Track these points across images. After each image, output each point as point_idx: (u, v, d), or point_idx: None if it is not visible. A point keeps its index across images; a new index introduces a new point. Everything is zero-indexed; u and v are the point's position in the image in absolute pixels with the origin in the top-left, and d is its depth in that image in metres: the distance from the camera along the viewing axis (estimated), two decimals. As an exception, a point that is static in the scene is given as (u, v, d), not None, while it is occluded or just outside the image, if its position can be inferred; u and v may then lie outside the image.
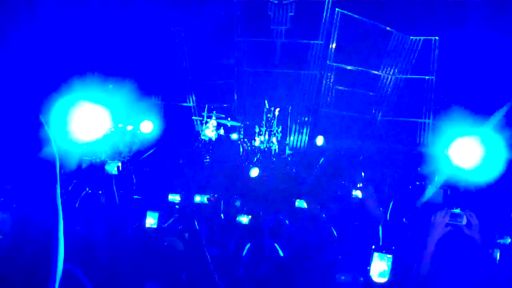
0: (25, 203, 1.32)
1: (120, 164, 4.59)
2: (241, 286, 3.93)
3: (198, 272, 3.61)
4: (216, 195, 7.19)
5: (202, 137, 15.61)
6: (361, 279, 3.61)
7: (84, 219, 4.66)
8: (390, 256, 3.33)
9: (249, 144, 15.31)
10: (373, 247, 3.42)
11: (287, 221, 6.20)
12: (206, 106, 16.05)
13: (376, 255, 3.32)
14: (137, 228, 4.58)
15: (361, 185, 13.18)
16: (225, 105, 16.81)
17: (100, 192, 5.38)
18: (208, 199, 6.92)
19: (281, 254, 4.66)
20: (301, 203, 8.08)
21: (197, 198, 7.03)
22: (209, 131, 15.59)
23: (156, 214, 4.90)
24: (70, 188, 5.14)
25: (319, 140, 15.31)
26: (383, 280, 3.34)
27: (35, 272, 1.29)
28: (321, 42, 16.57)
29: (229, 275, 3.97)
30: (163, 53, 17.99)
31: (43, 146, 1.36)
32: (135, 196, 5.74)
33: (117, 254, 3.87)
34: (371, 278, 3.32)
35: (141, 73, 16.29)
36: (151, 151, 15.07)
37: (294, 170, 14.49)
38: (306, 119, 16.81)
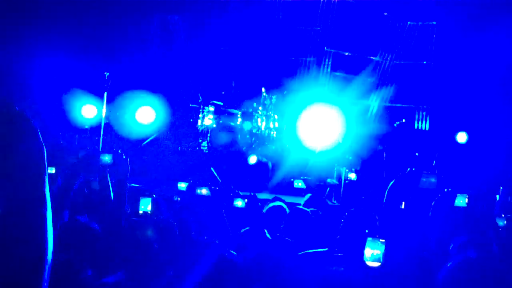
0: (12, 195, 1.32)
1: (113, 155, 4.62)
2: (236, 273, 3.94)
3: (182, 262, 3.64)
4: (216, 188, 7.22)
5: (200, 126, 15.64)
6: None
7: (78, 209, 4.69)
8: (383, 240, 3.36)
9: (247, 130, 15.32)
10: (367, 231, 3.44)
11: (287, 209, 6.22)
12: (199, 95, 16.06)
13: (369, 239, 3.35)
14: (129, 215, 4.61)
15: (354, 170, 13.25)
16: (223, 93, 16.78)
17: (94, 180, 5.42)
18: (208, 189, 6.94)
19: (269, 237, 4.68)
20: (297, 183, 8.12)
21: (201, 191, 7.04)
22: (207, 119, 15.61)
23: (149, 200, 4.95)
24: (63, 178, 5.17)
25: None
26: (376, 264, 3.36)
27: (25, 264, 1.30)
28: (318, 28, 16.52)
29: (224, 261, 3.98)
30: (160, 41, 17.93)
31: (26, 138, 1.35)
32: (132, 184, 5.77)
33: (111, 241, 3.90)
34: (365, 263, 3.35)
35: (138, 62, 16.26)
36: (150, 138, 15.11)
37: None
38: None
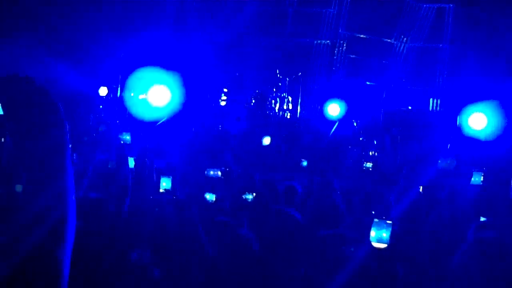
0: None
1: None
2: (251, 252, 4.01)
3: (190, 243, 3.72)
4: (227, 169, 7.26)
5: (214, 107, 15.67)
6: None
7: (97, 184, 4.78)
8: (390, 222, 3.40)
9: (261, 112, 15.35)
10: (373, 212, 3.49)
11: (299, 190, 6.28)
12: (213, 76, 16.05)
13: (376, 221, 3.39)
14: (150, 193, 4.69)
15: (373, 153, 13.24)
16: (237, 74, 16.78)
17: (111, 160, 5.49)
18: (222, 172, 7.00)
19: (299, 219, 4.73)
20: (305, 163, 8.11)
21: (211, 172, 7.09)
22: (221, 100, 15.65)
23: (169, 179, 5.08)
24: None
25: (334, 109, 15.13)
26: (382, 246, 3.41)
27: (48, 235, 1.35)
28: (334, 10, 16.43)
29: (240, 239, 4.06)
30: (174, 23, 17.92)
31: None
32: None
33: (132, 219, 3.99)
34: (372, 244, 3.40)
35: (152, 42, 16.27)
36: (163, 119, 15.16)
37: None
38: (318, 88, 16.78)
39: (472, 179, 6.96)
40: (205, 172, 6.82)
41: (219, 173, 6.91)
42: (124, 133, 4.72)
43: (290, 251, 4.02)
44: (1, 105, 1.37)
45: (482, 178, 6.92)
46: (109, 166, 5.64)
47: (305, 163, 9.15)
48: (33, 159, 1.37)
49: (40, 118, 1.38)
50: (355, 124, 14.59)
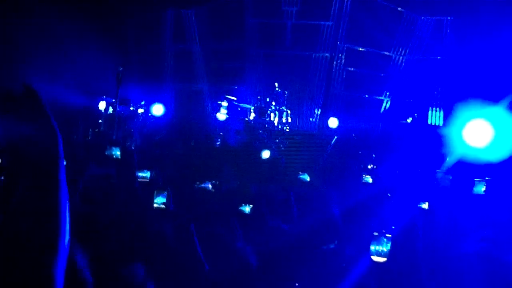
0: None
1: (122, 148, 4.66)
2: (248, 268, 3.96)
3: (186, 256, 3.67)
4: (218, 182, 7.22)
5: (213, 121, 15.67)
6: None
7: (88, 199, 4.73)
8: (389, 236, 3.36)
9: (260, 125, 15.33)
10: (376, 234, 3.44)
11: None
12: (211, 90, 16.09)
13: (375, 235, 3.35)
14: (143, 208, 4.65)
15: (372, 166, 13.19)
16: (236, 87, 16.80)
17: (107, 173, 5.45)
18: (212, 185, 6.96)
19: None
20: (304, 176, 8.07)
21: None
22: (220, 114, 15.64)
23: (164, 193, 4.97)
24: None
25: (333, 122, 15.23)
26: (382, 259, 3.37)
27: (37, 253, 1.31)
28: (332, 23, 16.47)
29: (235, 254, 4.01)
30: (173, 35, 18.00)
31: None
32: (140, 178, 5.80)
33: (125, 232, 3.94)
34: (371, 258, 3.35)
35: (153, 56, 16.32)
36: (162, 134, 15.16)
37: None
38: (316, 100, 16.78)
39: (474, 188, 6.92)
40: (195, 185, 6.78)
41: (210, 186, 6.87)
42: (113, 148, 4.66)
43: (287, 266, 3.97)
44: None
45: (484, 188, 6.89)
46: (104, 179, 5.60)
47: (305, 176, 9.10)
48: (25, 172, 1.34)
49: (32, 130, 1.35)
50: (354, 136, 14.57)
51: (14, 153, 1.34)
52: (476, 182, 6.97)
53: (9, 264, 1.28)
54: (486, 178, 7.17)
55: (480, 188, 6.93)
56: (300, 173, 8.18)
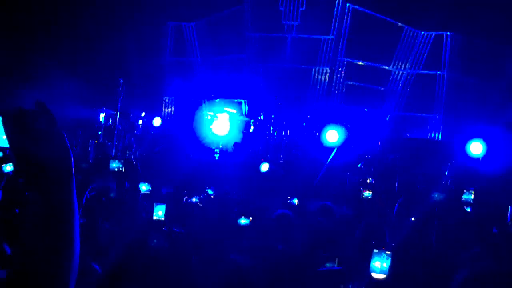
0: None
1: (123, 160, 4.66)
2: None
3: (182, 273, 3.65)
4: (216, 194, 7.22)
5: (212, 133, 15.69)
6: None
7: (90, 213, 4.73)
8: (389, 253, 3.36)
9: (259, 138, 15.34)
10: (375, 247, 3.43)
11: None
12: (212, 102, 16.14)
13: (375, 251, 3.35)
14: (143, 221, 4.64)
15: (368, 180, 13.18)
16: (236, 100, 16.83)
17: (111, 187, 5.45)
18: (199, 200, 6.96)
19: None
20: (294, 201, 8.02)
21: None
22: (220, 126, 15.66)
23: (163, 206, 4.95)
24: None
25: (332, 136, 15.13)
26: (382, 276, 3.36)
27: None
28: (332, 37, 16.53)
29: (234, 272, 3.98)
30: (173, 48, 18.08)
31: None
32: (143, 190, 5.81)
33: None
34: (371, 275, 3.34)
35: (152, 69, 16.38)
36: (161, 147, 15.16)
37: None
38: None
39: (464, 196, 7.05)
40: (184, 200, 6.77)
41: (196, 200, 6.86)
42: (111, 161, 4.65)
43: (287, 286, 3.95)
44: (7, 138, 1.33)
45: (472, 196, 7.01)
46: (111, 195, 5.59)
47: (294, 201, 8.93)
48: (40, 191, 1.33)
49: (47, 150, 1.34)
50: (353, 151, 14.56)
51: (27, 168, 1.34)
52: (464, 191, 7.10)
53: (26, 284, 1.28)
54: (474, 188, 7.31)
55: (469, 197, 7.04)
56: (289, 198, 8.10)
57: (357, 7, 16.29)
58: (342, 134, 14.79)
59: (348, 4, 16.33)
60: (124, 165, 4.65)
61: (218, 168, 14.44)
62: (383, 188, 12.39)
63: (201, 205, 6.84)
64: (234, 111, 16.25)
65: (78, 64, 13.80)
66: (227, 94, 16.88)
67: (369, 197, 8.17)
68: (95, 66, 14.21)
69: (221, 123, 15.71)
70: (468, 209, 6.73)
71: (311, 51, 16.78)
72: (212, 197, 7.41)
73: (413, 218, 5.81)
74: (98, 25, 14.36)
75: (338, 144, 14.72)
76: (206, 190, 7.82)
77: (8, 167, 5.22)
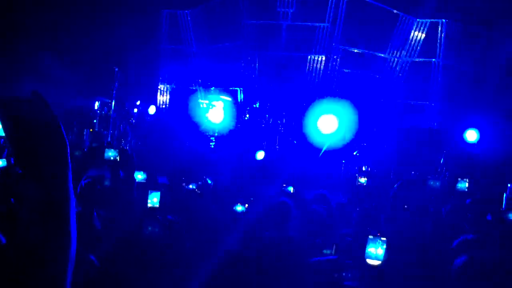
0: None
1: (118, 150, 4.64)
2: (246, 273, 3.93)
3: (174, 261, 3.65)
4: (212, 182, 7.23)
5: (208, 121, 15.68)
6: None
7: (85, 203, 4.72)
8: (384, 239, 3.37)
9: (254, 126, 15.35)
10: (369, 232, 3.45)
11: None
12: (212, 89, 16.11)
13: (370, 237, 3.36)
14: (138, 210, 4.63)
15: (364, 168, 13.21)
16: (231, 88, 16.80)
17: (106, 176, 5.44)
18: (197, 186, 6.96)
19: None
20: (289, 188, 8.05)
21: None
22: (215, 114, 15.66)
23: (158, 194, 4.95)
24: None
25: (327, 124, 15.12)
26: (377, 263, 3.37)
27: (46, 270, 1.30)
28: (328, 24, 16.47)
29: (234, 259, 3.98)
30: (168, 36, 18.01)
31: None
32: (138, 179, 5.80)
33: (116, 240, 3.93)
34: (366, 261, 3.35)
35: (147, 57, 16.32)
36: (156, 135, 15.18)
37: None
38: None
39: (458, 185, 7.12)
40: (183, 186, 6.78)
41: (193, 187, 6.86)
42: (107, 150, 4.64)
43: (282, 276, 3.94)
44: (2, 126, 1.32)
45: (467, 185, 7.08)
46: (105, 184, 5.58)
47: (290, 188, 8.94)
48: (36, 180, 1.32)
49: (43, 139, 1.33)
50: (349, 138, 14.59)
51: (23, 157, 1.33)
52: (459, 179, 7.17)
53: (22, 275, 1.27)
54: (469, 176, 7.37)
55: (464, 185, 7.11)
56: (284, 185, 8.11)
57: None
58: (337, 122, 14.82)
59: (343, -9, 16.28)
60: (119, 154, 4.63)
61: (214, 155, 14.46)
62: (379, 175, 12.44)
63: (199, 192, 6.85)
64: (229, 99, 16.23)
65: (72, 53, 13.73)
66: (223, 82, 16.85)
67: (365, 184, 8.22)
68: (90, 55, 14.14)
69: (216, 111, 15.71)
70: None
71: (307, 39, 16.72)
72: (210, 184, 7.42)
73: (406, 206, 5.83)
74: (93, 13, 14.29)
75: (334, 132, 14.75)
76: (205, 178, 7.83)
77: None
